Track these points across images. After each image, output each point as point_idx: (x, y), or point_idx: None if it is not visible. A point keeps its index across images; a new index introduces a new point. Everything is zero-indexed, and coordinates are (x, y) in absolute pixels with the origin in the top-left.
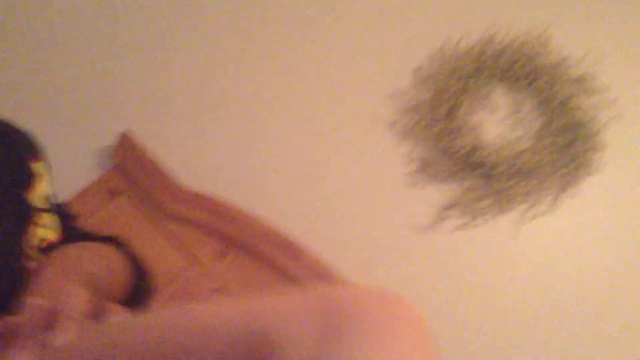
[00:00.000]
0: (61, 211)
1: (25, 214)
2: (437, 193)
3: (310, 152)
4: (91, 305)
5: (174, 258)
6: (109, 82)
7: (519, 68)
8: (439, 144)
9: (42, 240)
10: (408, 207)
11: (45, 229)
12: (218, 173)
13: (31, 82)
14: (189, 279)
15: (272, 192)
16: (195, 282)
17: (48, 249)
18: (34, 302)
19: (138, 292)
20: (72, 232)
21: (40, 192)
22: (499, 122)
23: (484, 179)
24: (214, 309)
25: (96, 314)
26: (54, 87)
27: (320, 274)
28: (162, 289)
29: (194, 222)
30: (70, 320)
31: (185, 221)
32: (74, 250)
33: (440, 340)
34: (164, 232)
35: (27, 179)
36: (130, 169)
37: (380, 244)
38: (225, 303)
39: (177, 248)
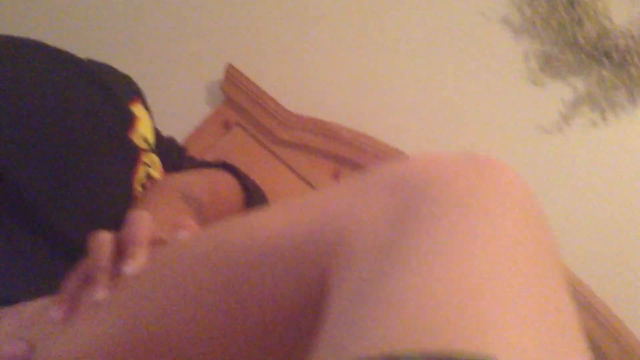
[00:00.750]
0: (170, 144)
1: (133, 155)
2: (562, 89)
3: (423, 61)
4: (160, 227)
5: (290, 184)
6: (212, 18)
7: None
8: (560, 35)
9: (149, 179)
10: (532, 106)
11: (151, 168)
12: (327, 97)
13: (134, 25)
14: None
15: (384, 109)
16: None
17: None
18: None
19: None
20: (183, 162)
21: (141, 132)
22: (628, 2)
23: (614, 69)
24: (279, 214)
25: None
26: (156, 30)
27: None
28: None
29: (305, 146)
30: (137, 246)
31: (297, 146)
32: (178, 175)
33: (569, 249)
34: (278, 159)
35: (128, 120)
36: (240, 100)
37: (504, 148)
38: (289, 205)
39: (291, 173)
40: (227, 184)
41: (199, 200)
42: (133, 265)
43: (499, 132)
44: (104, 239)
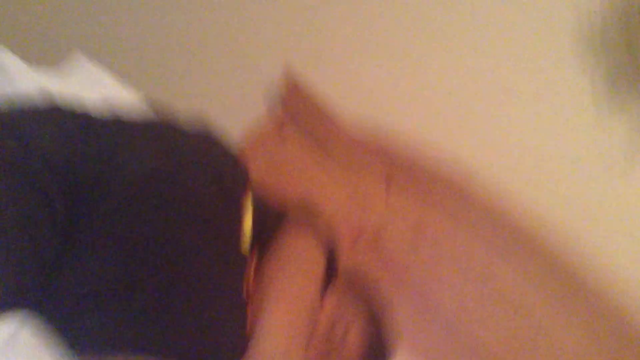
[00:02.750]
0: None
1: (242, 265)
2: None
3: (484, 73)
4: None
5: (342, 188)
6: (270, 18)
7: None
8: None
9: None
10: (597, 147)
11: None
12: (383, 101)
13: (193, 25)
14: (359, 217)
15: (442, 116)
16: (363, 211)
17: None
18: None
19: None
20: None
21: (245, 227)
22: None
23: None
24: None
25: None
26: (215, 29)
27: (494, 217)
28: (335, 227)
29: (359, 150)
30: None
31: (350, 149)
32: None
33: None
34: (330, 163)
35: (239, 219)
36: (295, 102)
37: (570, 176)
38: None
39: (344, 177)
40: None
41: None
42: None
43: (566, 158)
44: None
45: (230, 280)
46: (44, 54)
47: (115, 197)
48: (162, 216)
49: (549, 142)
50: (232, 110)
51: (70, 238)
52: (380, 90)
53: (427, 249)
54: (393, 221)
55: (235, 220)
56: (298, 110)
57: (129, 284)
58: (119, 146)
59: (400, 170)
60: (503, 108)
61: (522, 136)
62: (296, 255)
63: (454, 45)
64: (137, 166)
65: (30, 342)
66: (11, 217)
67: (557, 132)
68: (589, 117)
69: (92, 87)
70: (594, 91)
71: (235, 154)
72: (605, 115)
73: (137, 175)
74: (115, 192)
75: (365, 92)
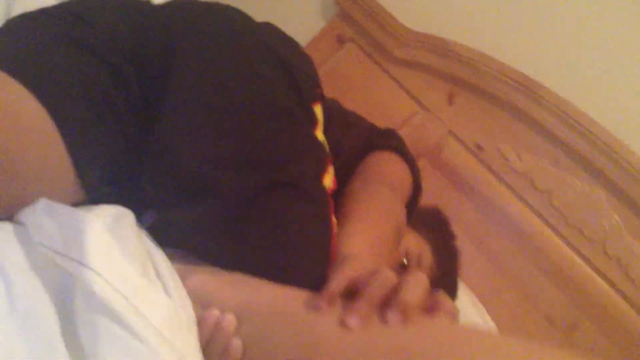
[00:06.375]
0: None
1: (324, 157)
2: None
3: None
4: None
5: (403, 103)
6: None
7: None
8: None
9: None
10: None
11: (329, 175)
12: (445, 14)
13: None
14: (419, 124)
15: (505, 28)
16: (424, 127)
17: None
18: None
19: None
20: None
21: (320, 136)
22: None
23: None
24: None
25: None
26: None
27: (563, 115)
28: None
29: (420, 64)
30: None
31: (412, 64)
32: (376, 168)
33: None
34: (391, 77)
35: (314, 123)
36: (355, 14)
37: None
38: None
39: (405, 92)
40: (405, 173)
41: (399, 188)
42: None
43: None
44: (388, 277)
45: (310, 170)
46: None
47: (187, 71)
48: (246, 79)
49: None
50: (288, 25)
51: (149, 119)
52: (444, 4)
53: (490, 163)
54: (455, 136)
55: (311, 122)
56: (357, 21)
57: (217, 167)
58: (183, 22)
59: (463, 88)
60: (572, 16)
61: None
62: (386, 177)
63: None
64: (206, 30)
65: (132, 227)
66: (88, 97)
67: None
68: None
69: None
70: None
71: (305, 55)
72: None
73: (208, 39)
74: (185, 64)
75: (428, 5)
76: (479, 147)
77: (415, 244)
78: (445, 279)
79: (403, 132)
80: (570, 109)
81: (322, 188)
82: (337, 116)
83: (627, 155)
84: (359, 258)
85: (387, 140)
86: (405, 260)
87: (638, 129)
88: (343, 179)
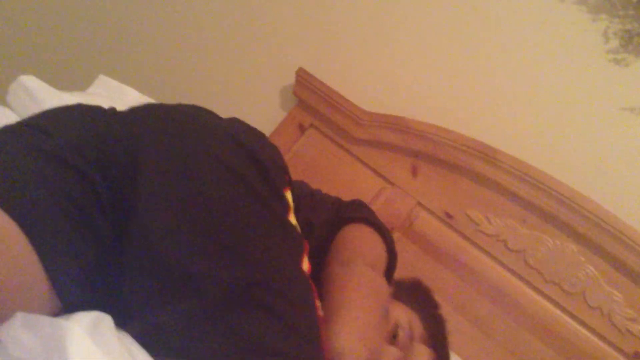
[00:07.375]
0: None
1: (300, 243)
2: None
3: (496, 45)
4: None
5: (370, 180)
6: (281, 24)
7: None
8: None
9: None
10: (615, 87)
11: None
12: (398, 94)
13: (208, 33)
14: (387, 199)
15: (457, 100)
16: (393, 201)
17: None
18: None
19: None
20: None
21: (294, 220)
22: None
23: None
24: None
25: None
26: (228, 38)
27: (522, 176)
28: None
29: (381, 142)
30: None
31: (373, 143)
32: (353, 245)
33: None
34: (355, 157)
35: (286, 209)
36: (313, 103)
37: (587, 129)
38: None
39: (370, 170)
40: (378, 243)
41: (378, 262)
42: None
43: (580, 113)
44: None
45: (288, 257)
46: (70, 80)
47: (154, 168)
48: (214, 176)
49: (569, 101)
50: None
51: (120, 223)
52: (396, 85)
53: (461, 229)
54: (424, 207)
55: (284, 211)
56: (315, 108)
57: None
58: (146, 124)
59: (425, 161)
60: (518, 79)
61: (542, 98)
62: (362, 253)
63: (461, 32)
64: (171, 129)
65: (112, 330)
66: (59, 207)
67: (576, 87)
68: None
69: (120, 102)
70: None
71: (272, 144)
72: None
73: (175, 137)
74: (152, 162)
75: (381, 88)
76: (448, 215)
77: (404, 315)
78: (437, 347)
79: (373, 209)
80: (528, 168)
81: (303, 273)
82: (304, 196)
83: (589, 206)
84: (353, 354)
85: (355, 212)
86: (399, 331)
87: (596, 180)
88: (317, 257)
